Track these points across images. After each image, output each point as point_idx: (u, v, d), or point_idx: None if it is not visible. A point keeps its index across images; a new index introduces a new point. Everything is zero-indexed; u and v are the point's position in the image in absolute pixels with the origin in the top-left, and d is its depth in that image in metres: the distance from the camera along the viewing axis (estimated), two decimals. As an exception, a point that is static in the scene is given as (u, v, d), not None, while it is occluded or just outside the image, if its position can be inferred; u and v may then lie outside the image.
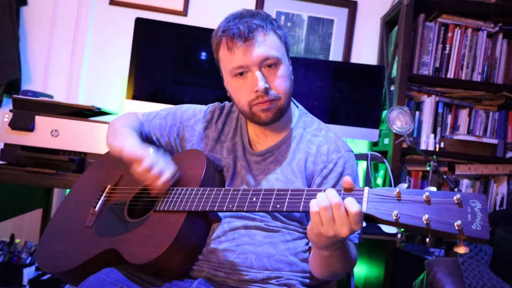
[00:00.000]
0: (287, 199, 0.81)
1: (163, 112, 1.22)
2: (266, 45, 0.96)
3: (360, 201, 0.73)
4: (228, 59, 0.98)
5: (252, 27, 0.95)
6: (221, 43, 1.00)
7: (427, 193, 0.68)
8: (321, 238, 0.76)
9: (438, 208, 0.66)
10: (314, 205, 0.74)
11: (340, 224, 0.72)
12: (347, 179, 0.76)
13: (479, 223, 0.63)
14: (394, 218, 0.67)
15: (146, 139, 1.20)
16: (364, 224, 1.93)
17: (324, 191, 0.75)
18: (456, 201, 0.66)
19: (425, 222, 0.65)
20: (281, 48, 1.01)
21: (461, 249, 0.65)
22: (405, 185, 0.72)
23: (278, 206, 0.81)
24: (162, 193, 0.97)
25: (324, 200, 0.73)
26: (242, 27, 0.95)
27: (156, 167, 0.94)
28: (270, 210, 0.82)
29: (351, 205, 0.71)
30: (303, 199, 0.79)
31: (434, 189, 0.69)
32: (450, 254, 2.17)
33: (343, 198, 0.73)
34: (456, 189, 0.69)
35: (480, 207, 0.65)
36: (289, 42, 1.07)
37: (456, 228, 0.63)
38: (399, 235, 0.71)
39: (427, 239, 0.68)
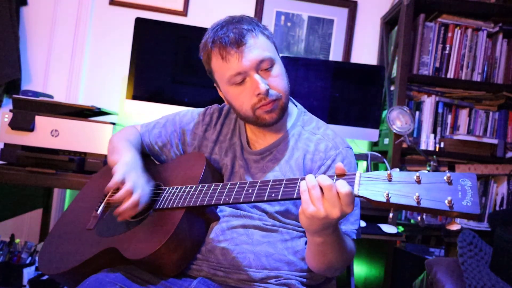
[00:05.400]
0: (282, 188, 0.82)
1: (162, 120, 1.22)
2: (258, 47, 0.97)
3: (352, 184, 0.73)
4: (224, 68, 0.98)
5: (242, 32, 0.96)
6: (212, 54, 1.00)
7: (417, 174, 0.69)
8: (313, 221, 0.77)
9: (429, 187, 0.67)
10: (303, 185, 0.76)
11: (331, 205, 0.73)
12: (339, 165, 0.77)
13: (470, 200, 0.64)
14: (385, 198, 0.68)
15: (149, 150, 1.21)
16: (364, 223, 1.92)
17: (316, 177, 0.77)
18: (446, 180, 0.67)
19: (416, 200, 0.66)
20: (272, 48, 1.01)
21: (454, 226, 0.66)
22: (397, 169, 0.73)
23: (273, 195, 0.82)
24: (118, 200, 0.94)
25: (312, 180, 0.75)
26: (232, 34, 0.95)
27: (126, 185, 0.93)
28: (265, 199, 0.82)
29: (342, 186, 0.72)
30: (297, 186, 0.80)
31: (425, 171, 0.70)
32: (450, 254, 2.18)
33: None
34: (448, 171, 0.70)
35: (470, 184, 0.66)
36: (276, 41, 1.07)
37: (447, 204, 0.64)
38: (391, 215, 0.72)
39: (419, 218, 0.70)
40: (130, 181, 0.95)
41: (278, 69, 1.00)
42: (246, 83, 0.98)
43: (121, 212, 0.93)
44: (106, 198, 1.11)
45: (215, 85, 1.09)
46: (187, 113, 1.21)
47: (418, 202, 0.65)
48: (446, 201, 0.64)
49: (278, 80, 0.99)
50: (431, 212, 0.66)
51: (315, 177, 0.77)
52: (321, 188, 0.74)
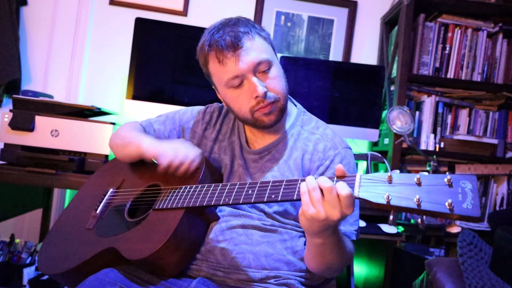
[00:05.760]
0: (282, 189, 0.81)
1: (161, 117, 1.22)
2: (255, 49, 0.96)
3: (352, 186, 0.73)
4: (221, 72, 0.98)
5: (238, 35, 0.95)
6: (209, 57, 1.00)
7: (418, 176, 0.69)
8: (313, 223, 0.77)
9: (429, 190, 0.67)
10: (304, 186, 0.76)
11: (331, 207, 0.73)
12: (339, 167, 0.77)
13: (470, 202, 0.64)
14: (386, 200, 0.68)
15: None
16: (364, 223, 1.92)
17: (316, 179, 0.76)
18: (446, 182, 0.67)
19: (416, 203, 0.66)
20: (269, 49, 1.01)
21: (454, 229, 0.66)
22: (398, 171, 0.73)
23: (273, 196, 0.81)
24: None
25: (312, 182, 0.75)
26: (228, 37, 0.95)
27: (177, 159, 0.97)
28: (265, 200, 0.82)
29: (342, 188, 0.72)
30: (297, 188, 0.80)
31: (425, 173, 0.70)
32: (450, 254, 2.18)
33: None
34: (448, 173, 0.70)
35: (470, 187, 0.66)
36: (276, 41, 1.07)
37: (447, 207, 0.63)
38: (391, 217, 0.72)
39: (419, 220, 0.69)
40: (181, 151, 0.99)
41: (276, 70, 1.00)
42: (244, 86, 0.98)
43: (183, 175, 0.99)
44: (106, 197, 1.11)
45: (213, 87, 1.09)
46: (186, 111, 1.21)
47: (419, 205, 0.65)
48: (447, 204, 0.63)
49: (276, 82, 0.99)
50: (431, 215, 0.65)
51: (315, 178, 0.76)
52: (321, 190, 0.74)
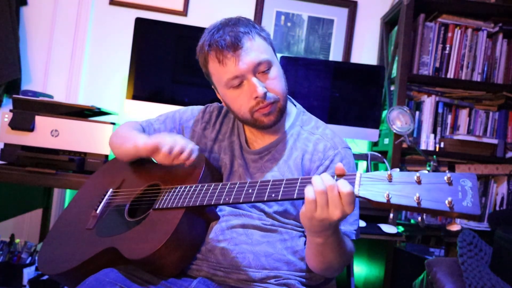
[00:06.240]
0: (282, 188, 0.81)
1: (162, 117, 1.23)
2: (255, 50, 0.96)
3: (352, 184, 0.73)
4: (221, 72, 0.98)
5: (238, 35, 0.95)
6: (209, 57, 0.99)
7: (417, 174, 0.69)
8: (313, 222, 0.77)
9: (429, 188, 0.67)
10: (310, 192, 0.74)
11: (333, 206, 0.73)
12: (339, 166, 0.77)
13: (470, 200, 0.64)
14: (386, 198, 0.68)
15: None
16: (364, 223, 1.92)
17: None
18: (446, 180, 0.67)
19: (416, 201, 0.65)
20: (269, 50, 1.01)
21: (454, 227, 0.66)
22: (398, 169, 0.73)
23: (273, 195, 0.81)
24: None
25: (320, 184, 0.74)
26: (228, 37, 0.95)
27: (177, 145, 0.96)
28: (265, 199, 0.82)
29: (343, 186, 0.72)
30: (297, 187, 0.80)
31: (425, 171, 0.70)
32: (450, 254, 2.18)
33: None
34: (448, 171, 0.70)
35: (470, 185, 0.66)
36: (273, 42, 1.07)
37: (447, 205, 0.63)
38: (391, 215, 0.72)
39: (419, 218, 0.70)
40: (180, 140, 0.98)
41: (276, 71, 1.00)
42: (243, 86, 0.98)
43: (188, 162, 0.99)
44: (106, 197, 1.11)
45: (213, 87, 1.09)
46: (187, 110, 1.21)
47: (419, 203, 0.65)
48: (447, 202, 0.63)
49: (275, 83, 0.99)
50: (432, 213, 0.65)
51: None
52: None
